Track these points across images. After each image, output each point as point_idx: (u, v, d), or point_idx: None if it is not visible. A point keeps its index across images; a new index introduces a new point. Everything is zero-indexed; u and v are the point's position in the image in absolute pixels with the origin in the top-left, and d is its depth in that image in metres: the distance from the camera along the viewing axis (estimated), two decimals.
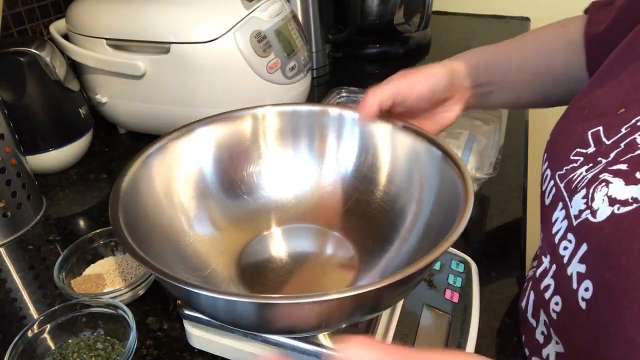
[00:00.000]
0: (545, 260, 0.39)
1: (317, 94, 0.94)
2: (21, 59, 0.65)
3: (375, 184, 0.52)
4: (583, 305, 0.33)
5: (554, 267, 0.37)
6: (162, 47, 0.68)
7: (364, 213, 0.51)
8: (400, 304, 0.45)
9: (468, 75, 0.52)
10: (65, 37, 0.76)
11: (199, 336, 0.45)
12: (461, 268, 0.50)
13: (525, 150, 0.74)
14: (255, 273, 0.48)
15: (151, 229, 0.44)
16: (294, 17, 0.77)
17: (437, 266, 0.50)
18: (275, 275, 0.48)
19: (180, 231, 0.48)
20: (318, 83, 0.98)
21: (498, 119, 0.72)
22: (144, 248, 0.38)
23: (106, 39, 0.71)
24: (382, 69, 1.03)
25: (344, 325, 0.38)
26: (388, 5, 1.02)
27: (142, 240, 0.40)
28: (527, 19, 1.22)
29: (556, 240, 0.37)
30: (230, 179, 0.52)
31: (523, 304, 0.44)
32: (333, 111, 0.53)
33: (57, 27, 0.77)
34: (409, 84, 0.49)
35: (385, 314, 0.44)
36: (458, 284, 0.49)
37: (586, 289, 0.33)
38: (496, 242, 0.59)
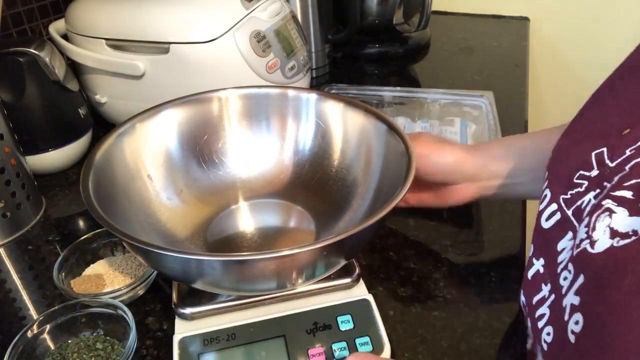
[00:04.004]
0: (545, 289, 0.38)
1: None
2: (20, 59, 0.65)
3: (330, 158, 0.57)
4: (572, 338, 0.32)
5: (552, 296, 0.36)
6: (161, 47, 0.68)
7: (321, 186, 0.56)
8: None
9: (482, 167, 0.53)
10: (65, 37, 0.76)
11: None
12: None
13: None
14: (222, 244, 0.53)
15: (124, 201, 0.49)
16: (294, 17, 0.77)
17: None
18: (240, 245, 0.52)
19: (150, 204, 0.52)
20: (317, 83, 0.98)
21: (486, 105, 0.78)
22: (116, 219, 0.42)
23: (105, 39, 0.71)
24: (381, 68, 1.03)
25: (299, 284, 0.44)
26: (387, 5, 1.02)
27: (115, 212, 0.44)
28: (527, 19, 1.22)
29: (558, 270, 0.36)
30: (197, 157, 0.57)
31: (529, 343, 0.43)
32: (290, 92, 0.58)
33: (56, 27, 0.77)
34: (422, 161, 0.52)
35: None
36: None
37: (576, 322, 0.32)
38: (496, 241, 0.59)
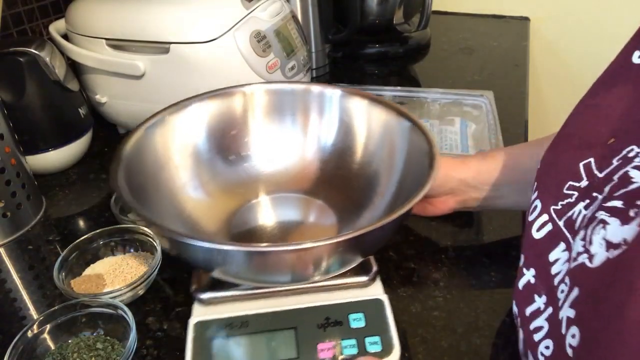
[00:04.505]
0: (539, 301, 0.37)
1: None
2: (21, 59, 0.65)
3: (352, 154, 0.57)
4: (570, 352, 0.32)
5: (549, 309, 0.36)
6: (161, 47, 0.68)
7: (343, 182, 0.57)
8: None
9: (463, 181, 0.54)
10: (65, 37, 0.76)
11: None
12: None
13: None
14: (244, 236, 0.53)
15: (152, 191, 0.50)
16: (294, 17, 0.77)
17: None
18: (262, 238, 0.53)
19: (177, 195, 0.53)
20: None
21: (486, 105, 0.79)
22: (144, 207, 0.43)
23: (106, 39, 0.71)
24: (381, 68, 1.03)
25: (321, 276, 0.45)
26: (388, 5, 1.02)
27: (143, 201, 0.45)
28: (527, 19, 1.22)
29: (555, 282, 0.36)
30: (222, 150, 0.58)
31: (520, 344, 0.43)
32: (315, 88, 0.59)
33: (56, 27, 0.76)
34: None
35: None
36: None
37: (573, 336, 0.31)
38: (496, 241, 0.59)
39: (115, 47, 0.71)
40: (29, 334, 0.45)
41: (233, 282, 0.46)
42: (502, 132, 0.72)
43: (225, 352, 0.43)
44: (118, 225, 0.57)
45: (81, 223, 0.65)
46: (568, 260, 0.35)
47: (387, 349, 0.43)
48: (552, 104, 1.29)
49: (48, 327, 0.46)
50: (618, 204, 0.31)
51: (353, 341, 0.44)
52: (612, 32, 1.18)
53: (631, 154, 0.32)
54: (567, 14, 1.20)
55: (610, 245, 0.30)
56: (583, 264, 0.32)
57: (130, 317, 0.46)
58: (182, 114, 0.56)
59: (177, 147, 0.55)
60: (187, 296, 0.52)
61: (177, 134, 0.55)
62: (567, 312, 0.33)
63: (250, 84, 0.60)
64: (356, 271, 0.48)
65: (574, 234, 0.35)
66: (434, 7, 1.14)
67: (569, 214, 0.36)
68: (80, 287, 0.52)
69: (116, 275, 0.53)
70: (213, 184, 0.56)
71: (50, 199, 0.69)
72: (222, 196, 0.56)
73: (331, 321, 0.45)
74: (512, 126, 0.71)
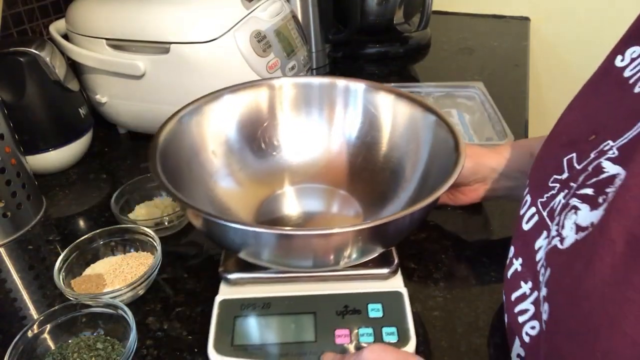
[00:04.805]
0: (525, 286, 0.39)
1: None
2: (21, 59, 0.65)
3: (377, 147, 0.58)
4: (544, 326, 0.34)
5: (535, 293, 0.38)
6: (161, 47, 0.68)
7: (367, 173, 0.58)
8: None
9: (494, 170, 0.55)
10: (65, 37, 0.76)
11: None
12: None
13: None
14: (271, 224, 0.54)
15: (187, 175, 0.52)
16: (294, 17, 0.77)
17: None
18: (288, 227, 0.54)
19: (209, 180, 0.55)
20: None
21: (479, 95, 0.81)
22: (178, 190, 0.44)
23: (106, 39, 0.71)
24: (381, 68, 1.03)
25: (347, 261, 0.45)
26: (388, 5, 1.02)
27: (178, 184, 0.46)
28: (527, 19, 1.22)
29: (538, 268, 0.38)
30: (251, 141, 0.59)
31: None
32: (340, 83, 0.59)
33: (56, 27, 0.77)
34: None
35: None
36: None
37: (545, 312, 0.34)
38: (496, 241, 0.59)
39: (116, 47, 0.71)
40: (29, 334, 0.45)
41: (259, 264, 0.47)
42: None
43: (247, 330, 0.45)
44: (118, 225, 0.58)
45: (81, 223, 0.65)
46: (547, 246, 0.38)
47: (403, 340, 0.44)
48: (552, 104, 1.29)
49: (48, 327, 0.47)
50: (589, 191, 0.33)
51: (370, 330, 0.45)
52: (612, 32, 1.18)
53: (606, 148, 0.34)
54: (567, 14, 1.20)
55: (579, 228, 0.32)
56: (555, 246, 0.34)
57: (130, 317, 0.46)
58: (216, 103, 0.57)
59: (211, 135, 0.57)
60: (187, 296, 0.53)
61: (212, 123, 0.57)
62: (542, 292, 0.35)
63: (279, 77, 0.62)
64: (377, 263, 0.49)
65: (553, 221, 0.37)
66: (434, 7, 1.14)
67: (551, 204, 0.38)
68: (81, 287, 0.52)
69: (116, 275, 0.53)
70: (242, 173, 0.58)
71: (51, 199, 0.69)
72: (250, 185, 0.58)
73: (350, 309, 0.46)
74: (512, 126, 0.71)
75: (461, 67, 1.00)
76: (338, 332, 0.45)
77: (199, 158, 0.55)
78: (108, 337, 0.47)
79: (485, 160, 0.55)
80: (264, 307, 0.47)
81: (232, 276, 0.49)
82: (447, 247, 0.57)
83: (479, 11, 1.26)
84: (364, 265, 0.49)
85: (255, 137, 0.59)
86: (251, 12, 0.69)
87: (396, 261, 0.50)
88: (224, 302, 0.47)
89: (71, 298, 0.49)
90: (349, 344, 0.44)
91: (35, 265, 0.59)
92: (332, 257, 0.44)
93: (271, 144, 0.60)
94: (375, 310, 0.46)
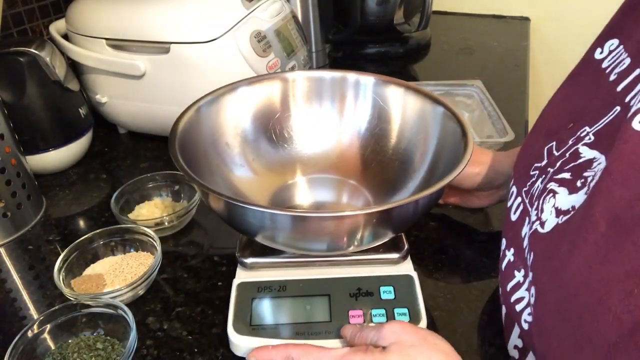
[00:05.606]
0: (519, 275, 0.40)
1: None
2: (21, 59, 0.65)
3: (386, 138, 0.60)
4: (532, 310, 0.35)
5: (527, 280, 0.39)
6: (162, 47, 0.68)
7: (377, 164, 0.59)
8: None
9: (507, 175, 0.55)
10: (65, 37, 0.76)
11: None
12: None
13: None
14: None
15: (204, 163, 0.53)
16: (294, 17, 0.77)
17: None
18: None
19: (225, 171, 0.57)
20: None
21: (478, 93, 0.81)
22: (198, 175, 0.45)
23: (106, 39, 0.71)
24: (381, 68, 1.03)
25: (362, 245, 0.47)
26: (388, 5, 1.02)
27: (197, 171, 0.47)
28: (527, 19, 1.22)
29: (526, 254, 0.39)
30: (266, 132, 0.61)
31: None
32: (351, 76, 0.61)
33: (57, 27, 0.77)
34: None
35: None
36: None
37: (532, 295, 0.35)
38: (496, 241, 0.58)
39: (116, 47, 0.71)
40: (29, 333, 0.45)
41: (275, 247, 0.48)
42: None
43: (264, 311, 0.47)
44: (118, 225, 0.58)
45: (81, 223, 0.65)
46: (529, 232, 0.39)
47: (414, 319, 0.46)
48: None
49: (48, 327, 0.47)
50: (567, 175, 0.34)
51: (382, 311, 0.46)
52: None
53: (583, 134, 0.35)
54: (567, 14, 1.20)
55: (560, 212, 0.33)
56: (536, 230, 0.35)
57: (130, 317, 0.46)
58: (232, 95, 0.58)
59: (227, 125, 0.58)
60: (187, 296, 0.53)
61: (229, 114, 0.58)
62: (529, 277, 0.36)
63: (292, 71, 0.66)
64: (388, 248, 0.51)
65: (532, 206, 0.38)
66: (434, 7, 1.14)
67: (532, 191, 0.39)
68: (80, 287, 0.52)
69: (116, 275, 0.53)
70: (257, 162, 0.60)
71: (51, 199, 0.69)
72: (264, 174, 0.60)
73: (363, 291, 0.48)
74: (513, 126, 0.71)
75: (461, 67, 1.00)
76: (352, 312, 0.46)
77: (215, 147, 0.57)
78: (108, 337, 0.47)
79: (503, 168, 0.55)
80: (280, 289, 0.48)
81: (249, 260, 0.50)
82: (447, 247, 0.57)
83: (479, 11, 1.26)
84: (375, 250, 0.50)
85: (270, 128, 0.61)
86: (251, 12, 0.69)
87: (406, 247, 0.51)
88: (241, 285, 0.49)
89: (71, 298, 0.49)
90: (363, 324, 0.45)
91: (35, 265, 0.59)
92: (344, 239, 0.45)
93: (283, 135, 0.62)
94: (387, 292, 0.48)
